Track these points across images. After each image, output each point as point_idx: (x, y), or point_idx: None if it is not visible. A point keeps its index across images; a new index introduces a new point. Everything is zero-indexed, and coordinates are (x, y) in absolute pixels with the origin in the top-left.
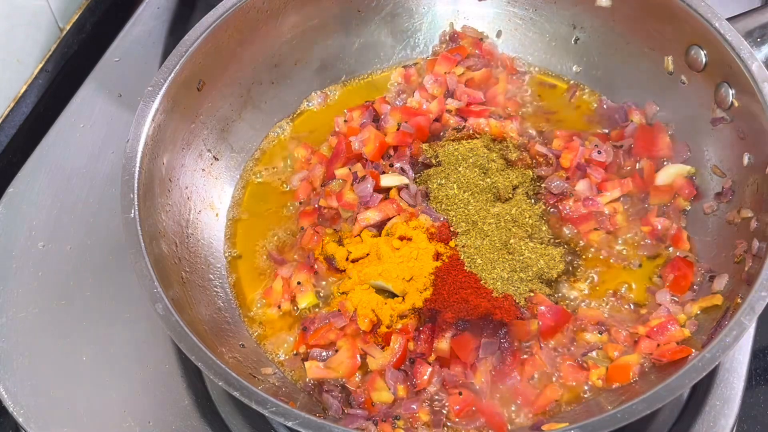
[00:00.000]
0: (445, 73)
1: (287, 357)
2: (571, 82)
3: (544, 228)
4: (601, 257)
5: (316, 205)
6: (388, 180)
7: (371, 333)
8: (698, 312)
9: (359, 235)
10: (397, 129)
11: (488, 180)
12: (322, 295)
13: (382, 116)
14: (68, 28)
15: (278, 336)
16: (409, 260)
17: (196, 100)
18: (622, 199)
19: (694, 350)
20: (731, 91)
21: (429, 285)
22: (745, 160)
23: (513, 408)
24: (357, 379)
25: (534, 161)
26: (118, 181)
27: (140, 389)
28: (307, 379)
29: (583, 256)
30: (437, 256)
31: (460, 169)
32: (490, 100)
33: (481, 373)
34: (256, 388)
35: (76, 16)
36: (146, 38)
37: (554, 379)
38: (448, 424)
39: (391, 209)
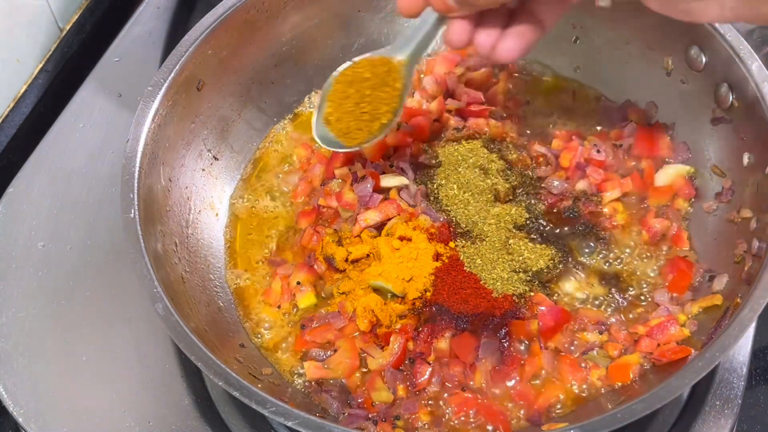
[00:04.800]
0: (444, 73)
1: (287, 357)
2: (571, 82)
3: (543, 228)
4: (600, 257)
5: (316, 205)
6: (388, 180)
7: (370, 333)
8: (698, 312)
9: (359, 235)
10: (397, 129)
11: (488, 180)
12: (322, 295)
13: None
14: (68, 28)
15: (278, 336)
16: (409, 260)
17: (196, 100)
18: (622, 198)
19: (694, 350)
20: (731, 91)
21: (429, 285)
22: (745, 160)
23: (513, 408)
24: (356, 379)
25: (533, 161)
26: (118, 181)
27: (140, 389)
28: (307, 379)
29: (583, 256)
30: (437, 256)
31: (460, 169)
32: (490, 100)
33: (481, 373)
34: (256, 388)
35: (76, 16)
36: (146, 38)
37: (554, 379)
38: (451, 423)
39: (391, 210)
